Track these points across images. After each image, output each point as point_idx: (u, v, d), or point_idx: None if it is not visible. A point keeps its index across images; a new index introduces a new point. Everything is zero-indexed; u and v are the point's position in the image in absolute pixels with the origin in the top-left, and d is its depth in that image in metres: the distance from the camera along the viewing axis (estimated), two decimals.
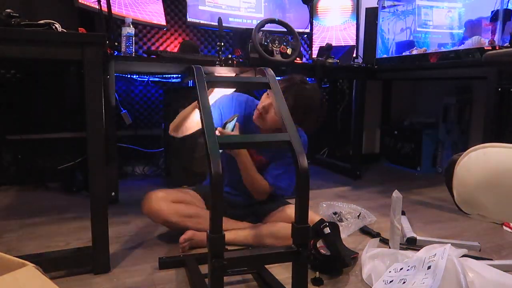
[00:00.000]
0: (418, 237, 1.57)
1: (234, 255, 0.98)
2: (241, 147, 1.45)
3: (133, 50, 1.99)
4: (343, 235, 1.52)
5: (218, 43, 2.24)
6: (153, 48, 2.61)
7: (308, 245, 1.07)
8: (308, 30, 2.75)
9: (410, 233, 1.61)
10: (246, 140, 1.17)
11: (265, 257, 1.03)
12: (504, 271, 1.16)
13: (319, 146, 3.21)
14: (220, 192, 0.91)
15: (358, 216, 1.81)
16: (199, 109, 1.03)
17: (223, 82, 1.33)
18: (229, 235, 1.28)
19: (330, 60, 2.39)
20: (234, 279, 1.28)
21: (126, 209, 1.95)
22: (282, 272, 1.30)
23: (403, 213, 1.85)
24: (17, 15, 1.19)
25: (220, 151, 0.96)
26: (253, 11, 2.60)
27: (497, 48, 1.84)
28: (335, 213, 1.81)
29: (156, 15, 2.40)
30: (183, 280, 1.28)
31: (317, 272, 1.28)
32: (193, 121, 1.51)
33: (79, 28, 1.46)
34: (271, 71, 1.22)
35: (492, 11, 2.04)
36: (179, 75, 2.63)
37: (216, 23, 2.33)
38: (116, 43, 2.00)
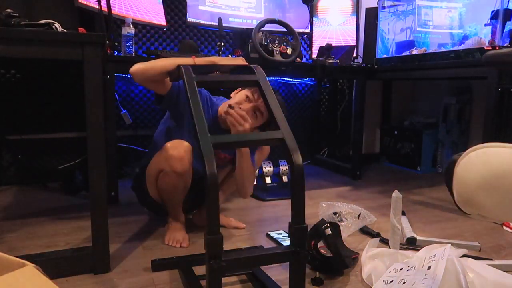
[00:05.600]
0: (418, 237, 1.57)
1: (232, 256, 0.97)
2: (235, 147, 1.44)
3: (133, 50, 1.99)
4: (343, 235, 1.52)
5: (218, 43, 2.25)
6: (153, 48, 2.61)
7: (306, 245, 1.07)
8: (308, 30, 2.76)
9: (410, 233, 1.61)
10: (240, 139, 1.16)
11: (263, 258, 1.03)
12: (504, 271, 1.16)
13: (319, 146, 3.21)
14: (216, 193, 0.90)
15: (358, 216, 1.80)
16: (190, 108, 1.01)
17: (213, 82, 1.31)
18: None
19: (330, 60, 2.39)
20: (229, 280, 1.28)
21: (126, 209, 1.95)
22: (282, 272, 1.30)
23: (403, 213, 1.85)
24: (17, 15, 1.19)
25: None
26: (253, 11, 2.60)
27: (497, 48, 1.84)
28: (335, 213, 1.81)
29: (156, 15, 2.40)
30: None
31: (317, 272, 1.28)
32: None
33: (79, 28, 1.47)
34: (260, 68, 1.19)
35: (492, 11, 2.04)
36: None
37: (216, 23, 2.33)
38: (116, 43, 2.00)
